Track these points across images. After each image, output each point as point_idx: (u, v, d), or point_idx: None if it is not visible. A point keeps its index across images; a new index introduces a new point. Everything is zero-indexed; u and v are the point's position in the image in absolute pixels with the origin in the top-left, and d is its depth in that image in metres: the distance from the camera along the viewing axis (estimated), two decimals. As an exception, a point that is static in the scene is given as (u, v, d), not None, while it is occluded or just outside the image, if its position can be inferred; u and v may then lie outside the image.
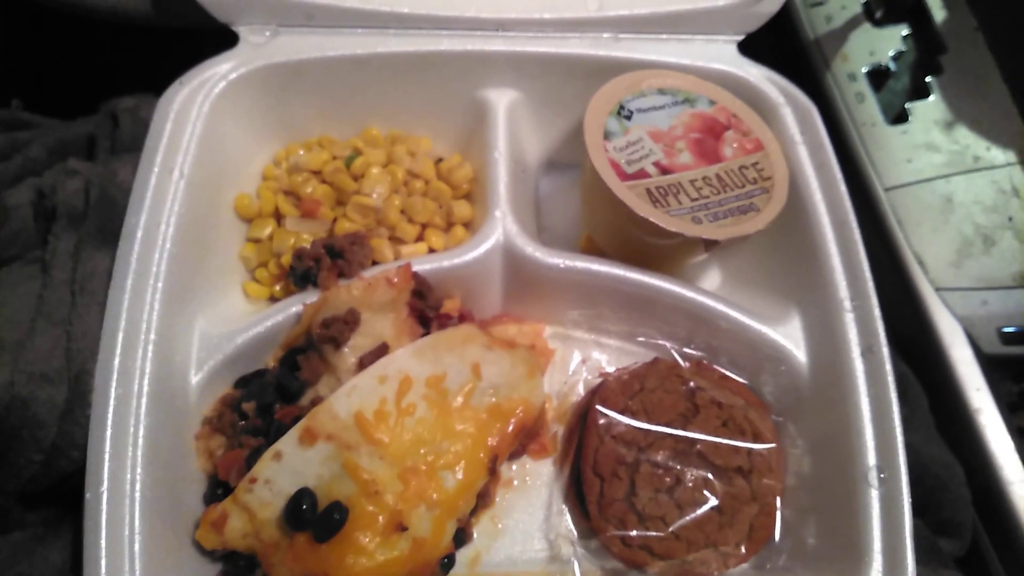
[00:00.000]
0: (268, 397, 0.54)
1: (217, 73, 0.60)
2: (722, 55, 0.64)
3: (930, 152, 0.80)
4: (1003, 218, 0.77)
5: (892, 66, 0.83)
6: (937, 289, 0.75)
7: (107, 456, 0.47)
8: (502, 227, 0.59)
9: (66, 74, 0.84)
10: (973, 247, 0.76)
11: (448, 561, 0.51)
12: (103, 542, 0.46)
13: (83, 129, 0.67)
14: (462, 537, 0.55)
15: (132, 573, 0.46)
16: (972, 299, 0.74)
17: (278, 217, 0.63)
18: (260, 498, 0.48)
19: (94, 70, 0.79)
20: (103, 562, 0.46)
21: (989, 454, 0.70)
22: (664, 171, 0.56)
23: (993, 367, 0.72)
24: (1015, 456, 0.69)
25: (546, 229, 0.69)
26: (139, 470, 0.48)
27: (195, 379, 0.54)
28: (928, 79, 0.82)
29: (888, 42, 0.84)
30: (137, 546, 0.46)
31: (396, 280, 0.55)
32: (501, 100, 0.64)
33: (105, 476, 0.47)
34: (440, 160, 0.66)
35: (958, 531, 0.68)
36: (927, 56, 0.83)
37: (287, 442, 0.49)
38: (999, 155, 0.79)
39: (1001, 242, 0.77)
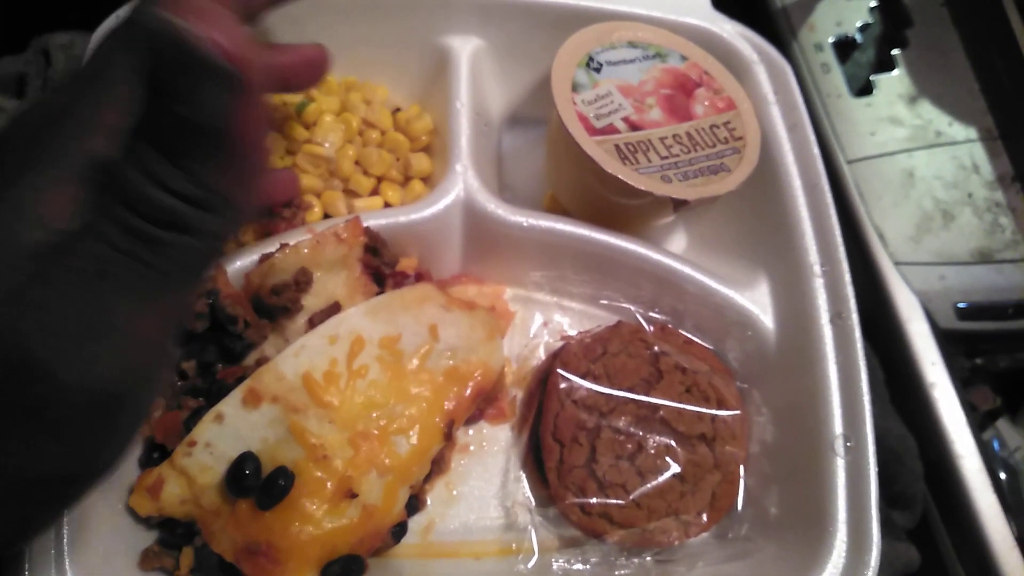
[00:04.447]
0: (209, 356, 0.51)
1: (158, 8, 0.56)
2: (695, 9, 0.62)
3: (893, 126, 0.80)
4: (963, 194, 0.78)
5: (858, 38, 0.83)
6: (896, 263, 0.75)
7: (32, 415, 0.44)
8: (463, 182, 0.56)
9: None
10: (933, 222, 0.77)
11: (400, 529, 0.50)
12: (27, 507, 0.43)
13: (12, 67, 0.64)
14: (415, 504, 0.53)
15: (59, 541, 0.43)
16: (930, 274, 0.75)
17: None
18: (199, 462, 0.46)
19: (22, 3, 0.73)
20: (27, 528, 0.42)
21: (941, 428, 0.70)
22: (634, 127, 0.54)
23: (948, 342, 0.73)
24: (966, 430, 0.70)
25: (508, 188, 0.67)
26: (68, 431, 0.45)
27: (130, 335, 0.51)
28: (893, 52, 0.82)
29: (855, 13, 0.84)
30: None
31: (345, 235, 0.52)
32: (464, 48, 0.61)
33: (31, 436, 0.44)
34: (397, 110, 0.63)
35: (910, 504, 0.69)
36: (893, 29, 0.83)
37: (229, 404, 0.47)
38: (960, 131, 0.80)
39: (960, 218, 0.77)
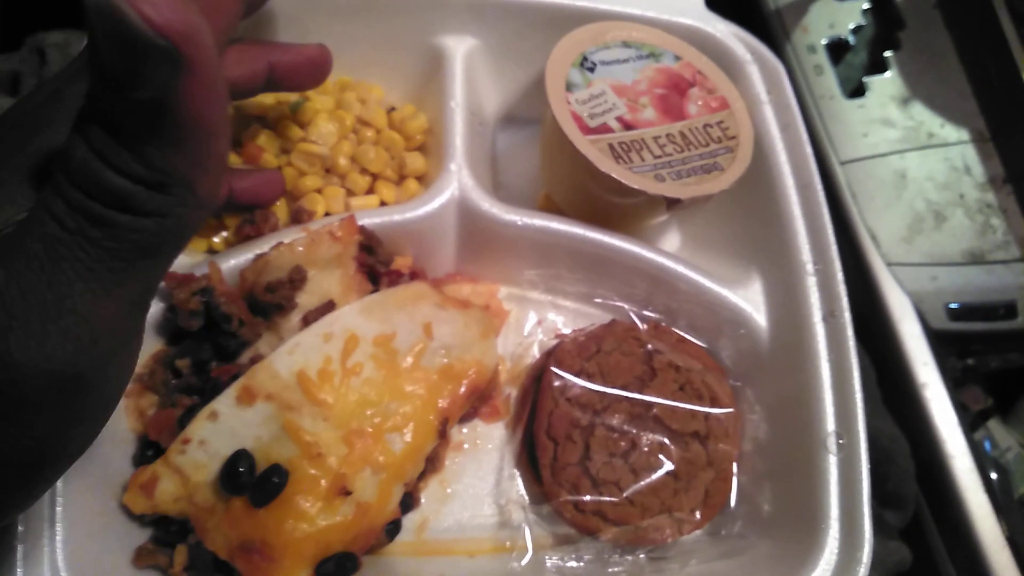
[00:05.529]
0: (204, 354, 0.50)
1: (153, 7, 0.56)
2: (688, 9, 0.62)
3: (885, 127, 0.81)
4: (955, 195, 0.79)
5: (851, 40, 0.84)
6: (888, 264, 0.75)
7: (25, 412, 0.44)
8: (457, 181, 0.56)
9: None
10: (925, 223, 0.77)
11: (394, 527, 0.49)
12: (20, 504, 0.42)
13: (6, 66, 0.63)
14: (409, 502, 0.53)
15: (52, 539, 0.43)
16: (922, 275, 0.75)
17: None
18: (194, 460, 0.46)
19: (17, 2, 0.73)
20: (20, 527, 0.42)
21: (933, 428, 0.71)
22: (627, 127, 0.55)
23: (940, 342, 0.74)
24: (958, 430, 0.71)
25: (503, 187, 0.67)
26: (61, 428, 0.45)
27: (124, 333, 0.50)
28: (886, 54, 0.83)
29: (848, 15, 0.85)
30: (59, 509, 0.43)
31: (339, 234, 0.52)
32: (459, 48, 0.61)
33: (23, 434, 0.43)
34: (392, 109, 0.63)
35: (902, 503, 0.69)
36: (886, 31, 0.84)
37: (224, 401, 0.46)
38: (952, 132, 0.81)
39: (952, 219, 0.78)
